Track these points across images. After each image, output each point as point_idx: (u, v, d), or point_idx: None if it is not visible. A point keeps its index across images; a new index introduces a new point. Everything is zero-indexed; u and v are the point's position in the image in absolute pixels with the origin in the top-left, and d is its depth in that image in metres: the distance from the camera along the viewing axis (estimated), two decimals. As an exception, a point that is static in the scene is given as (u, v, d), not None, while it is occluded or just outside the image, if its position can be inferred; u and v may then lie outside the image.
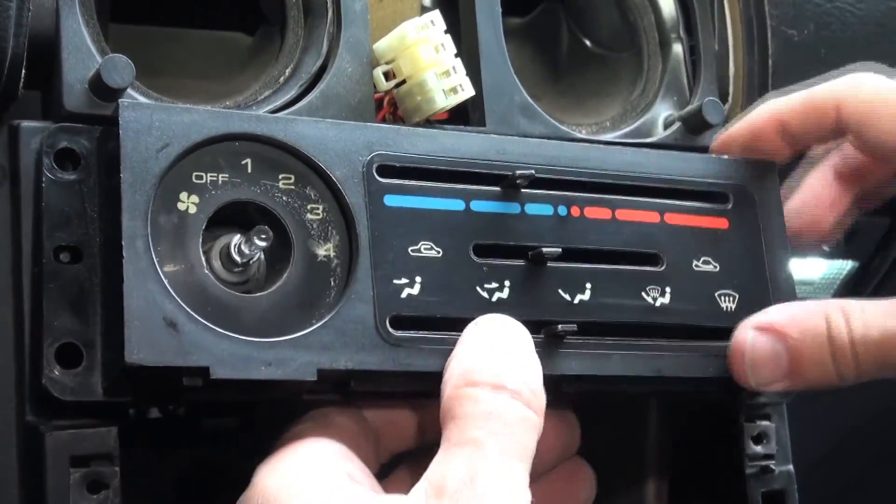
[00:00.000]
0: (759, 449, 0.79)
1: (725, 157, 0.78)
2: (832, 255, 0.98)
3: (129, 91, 0.66)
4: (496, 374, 0.60)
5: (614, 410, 0.87)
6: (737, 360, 0.71)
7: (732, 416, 0.79)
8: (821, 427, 1.02)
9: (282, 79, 0.73)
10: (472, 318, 0.66)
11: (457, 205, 0.68)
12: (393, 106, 0.74)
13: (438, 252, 0.67)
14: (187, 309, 0.60)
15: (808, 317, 0.70)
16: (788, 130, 0.75)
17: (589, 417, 0.88)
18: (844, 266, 1.02)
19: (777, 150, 0.77)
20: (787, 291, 0.75)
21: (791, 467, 0.79)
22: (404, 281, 0.65)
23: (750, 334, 0.70)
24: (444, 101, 0.72)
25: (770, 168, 0.77)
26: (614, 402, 0.85)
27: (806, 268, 1.00)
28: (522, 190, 0.69)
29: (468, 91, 0.73)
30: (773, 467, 0.79)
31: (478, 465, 0.56)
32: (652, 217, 0.73)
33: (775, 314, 0.71)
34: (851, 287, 1.02)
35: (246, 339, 0.61)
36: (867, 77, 0.73)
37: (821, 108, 0.74)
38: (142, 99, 0.67)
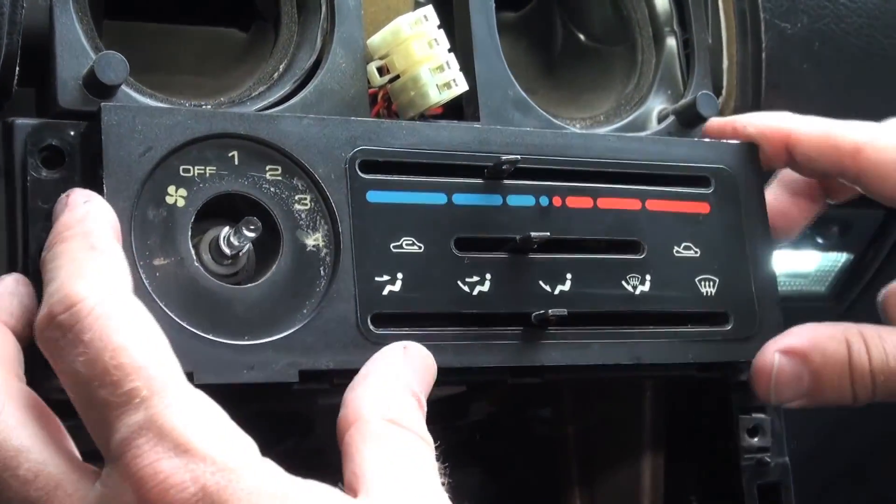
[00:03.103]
0: (754, 441, 0.79)
1: (707, 140, 0.78)
2: (826, 247, 0.99)
3: (123, 88, 0.66)
4: (410, 419, 0.57)
5: (610, 390, 0.87)
6: (762, 380, 0.73)
7: (726, 406, 0.79)
8: (815, 419, 1.02)
9: (276, 74, 0.73)
10: (453, 313, 0.67)
11: (439, 198, 0.68)
12: (387, 101, 0.74)
13: (420, 247, 0.67)
14: (171, 315, 0.60)
15: (831, 342, 0.72)
16: (796, 149, 0.76)
17: (586, 395, 0.89)
18: (839, 258, 1.02)
19: (772, 158, 0.78)
20: (767, 274, 0.76)
21: (786, 459, 0.79)
22: (386, 278, 0.66)
23: (776, 358, 0.72)
24: (437, 96, 0.72)
25: (752, 150, 0.78)
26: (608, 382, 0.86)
27: (800, 260, 1.00)
28: (505, 181, 0.70)
29: (462, 86, 0.73)
30: (768, 460, 0.79)
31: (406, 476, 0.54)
32: (633, 204, 0.73)
33: (798, 338, 0.73)
34: (846, 280, 1.03)
35: (228, 343, 0.61)
36: (892, 128, 0.74)
37: (839, 143, 0.75)
38: (136, 95, 0.67)
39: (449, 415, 0.91)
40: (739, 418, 0.79)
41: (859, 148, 0.74)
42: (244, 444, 0.51)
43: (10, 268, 0.63)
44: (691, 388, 0.82)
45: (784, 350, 0.72)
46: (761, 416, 0.79)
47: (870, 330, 0.72)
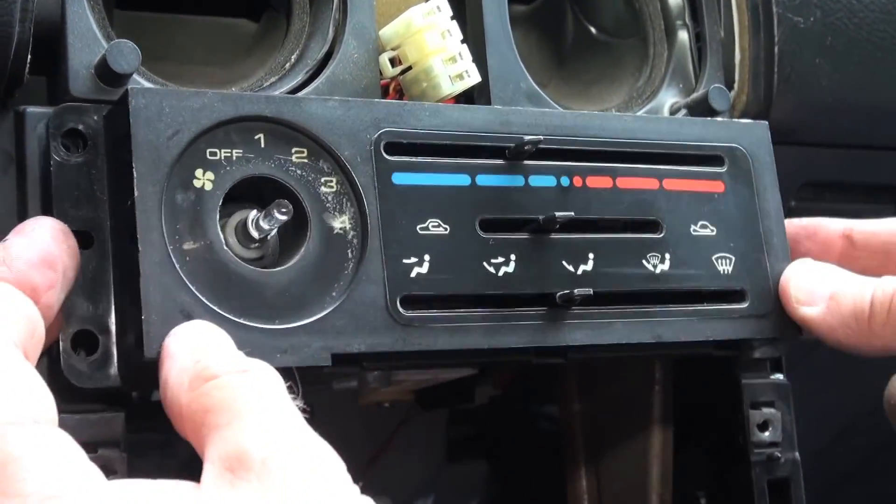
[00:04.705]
0: (764, 436, 0.79)
1: (719, 118, 0.79)
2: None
3: (135, 77, 0.66)
4: (227, 363, 0.56)
5: (618, 380, 0.87)
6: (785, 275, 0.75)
7: (737, 401, 0.79)
8: (825, 414, 1.02)
9: (287, 65, 0.72)
10: (480, 294, 0.67)
11: (463, 180, 0.69)
12: (399, 92, 0.74)
13: (446, 229, 0.67)
14: (202, 299, 0.60)
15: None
16: (852, 235, 0.77)
17: (592, 386, 0.89)
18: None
19: (831, 241, 0.78)
20: (781, 251, 0.77)
21: (797, 455, 0.79)
22: (413, 260, 0.66)
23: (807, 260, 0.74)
24: (450, 88, 0.72)
25: (762, 128, 0.79)
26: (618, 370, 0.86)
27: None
28: (526, 162, 0.70)
29: (474, 77, 0.73)
30: (778, 455, 0.79)
31: (268, 432, 0.52)
32: (651, 184, 0.74)
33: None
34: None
35: (260, 328, 0.61)
36: None
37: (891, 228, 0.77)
38: (148, 85, 0.67)
39: (454, 399, 0.91)
40: (750, 413, 0.78)
41: None
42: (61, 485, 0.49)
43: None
44: (702, 381, 0.82)
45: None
46: (772, 410, 0.79)
47: None
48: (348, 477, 0.51)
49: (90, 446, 0.60)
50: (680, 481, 0.85)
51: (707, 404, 0.83)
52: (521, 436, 0.98)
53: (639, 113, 0.82)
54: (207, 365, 0.55)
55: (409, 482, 0.92)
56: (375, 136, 0.66)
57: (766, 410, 0.79)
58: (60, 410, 0.60)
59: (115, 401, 0.62)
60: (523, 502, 0.98)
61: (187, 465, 0.61)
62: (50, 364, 0.61)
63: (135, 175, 0.60)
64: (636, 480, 0.86)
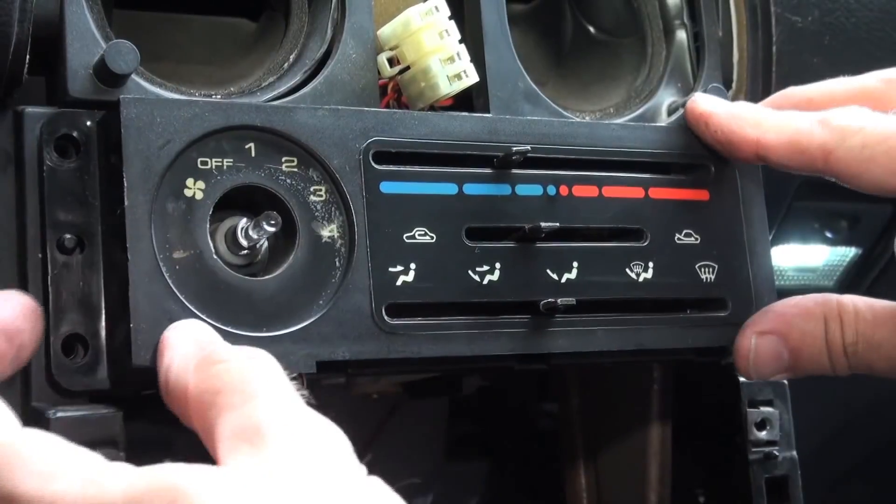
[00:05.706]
0: (762, 435, 0.79)
1: None
2: (835, 241, 0.99)
3: (134, 77, 0.66)
4: (234, 350, 0.57)
5: (615, 385, 0.88)
6: (741, 360, 0.74)
7: (735, 400, 0.79)
8: (823, 413, 1.02)
9: (286, 65, 0.72)
10: (465, 302, 0.68)
11: (450, 189, 0.69)
12: (397, 92, 0.74)
13: (432, 237, 0.68)
14: (190, 307, 0.61)
15: (808, 322, 0.73)
16: (767, 156, 0.74)
17: (589, 390, 0.89)
18: (847, 253, 1.02)
19: (744, 160, 0.76)
20: (764, 260, 0.77)
21: (794, 453, 0.80)
22: (399, 268, 0.66)
23: (752, 340, 0.74)
24: (448, 87, 0.72)
25: None
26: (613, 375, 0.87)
27: (809, 255, 1.00)
28: (513, 171, 0.71)
29: (472, 77, 0.73)
30: (776, 453, 0.79)
31: (282, 410, 0.53)
32: (637, 192, 0.74)
33: (775, 319, 0.74)
34: (854, 274, 1.02)
35: (247, 335, 0.62)
36: (856, 119, 0.71)
37: (808, 149, 0.72)
38: (146, 85, 0.67)
39: (442, 389, 0.91)
40: (748, 412, 0.79)
41: (829, 151, 0.72)
42: (70, 469, 0.50)
43: (20, 258, 0.63)
44: (699, 380, 0.82)
45: (762, 331, 0.74)
46: (769, 409, 0.79)
47: (848, 306, 0.73)
48: (355, 456, 0.52)
49: (88, 445, 0.60)
50: (678, 479, 0.85)
51: (705, 403, 0.83)
52: (519, 433, 0.99)
53: (637, 112, 0.82)
54: (215, 350, 0.56)
55: (406, 481, 0.92)
56: (364, 145, 0.67)
57: (764, 409, 0.80)
58: (58, 410, 0.60)
59: (113, 400, 0.62)
60: (522, 500, 0.98)
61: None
62: (45, 364, 0.62)
63: (125, 184, 0.60)
64: (635, 478, 0.86)
